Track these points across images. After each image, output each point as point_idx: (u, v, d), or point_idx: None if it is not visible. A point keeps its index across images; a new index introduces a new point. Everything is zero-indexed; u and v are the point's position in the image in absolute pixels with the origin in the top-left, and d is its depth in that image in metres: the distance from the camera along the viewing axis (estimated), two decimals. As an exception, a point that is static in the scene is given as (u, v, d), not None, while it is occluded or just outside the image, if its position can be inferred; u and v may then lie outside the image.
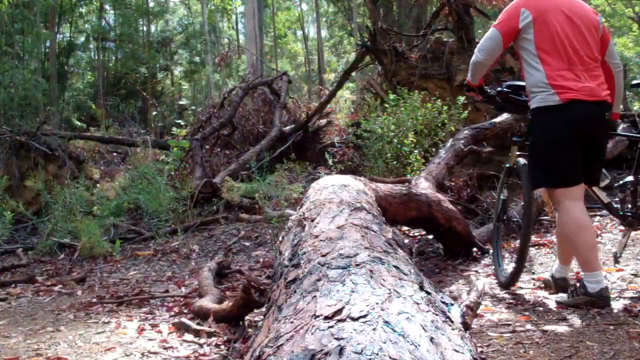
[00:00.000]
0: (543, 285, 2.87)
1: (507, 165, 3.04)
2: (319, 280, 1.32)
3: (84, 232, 5.06)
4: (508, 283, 2.89)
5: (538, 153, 2.61)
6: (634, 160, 2.71)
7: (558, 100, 2.46)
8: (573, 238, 2.51)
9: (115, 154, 10.27)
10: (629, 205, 2.74)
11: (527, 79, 2.60)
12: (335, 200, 2.30)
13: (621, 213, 2.75)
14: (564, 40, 2.50)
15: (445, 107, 5.86)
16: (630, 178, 2.73)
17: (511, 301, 2.68)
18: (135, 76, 19.39)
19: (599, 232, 3.81)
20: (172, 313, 3.01)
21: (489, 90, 2.90)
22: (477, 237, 3.72)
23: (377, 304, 1.08)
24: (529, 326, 2.26)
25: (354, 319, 1.01)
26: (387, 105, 6.19)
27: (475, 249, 3.66)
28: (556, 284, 2.75)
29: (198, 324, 2.64)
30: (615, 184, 2.81)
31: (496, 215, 3.18)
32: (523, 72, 2.64)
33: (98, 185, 7.49)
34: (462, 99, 5.92)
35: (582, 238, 2.48)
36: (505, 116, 4.96)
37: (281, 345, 1.01)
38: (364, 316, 1.02)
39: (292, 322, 1.10)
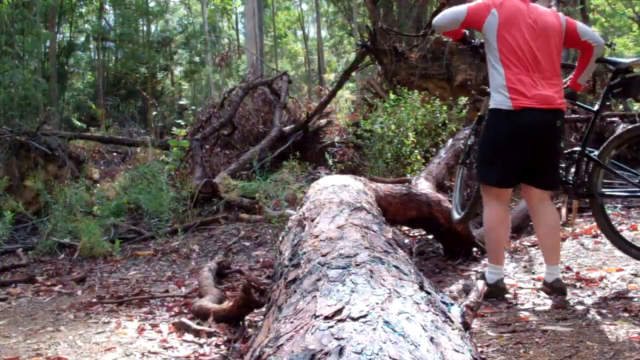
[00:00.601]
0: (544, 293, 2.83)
1: (480, 114, 3.15)
2: (319, 280, 1.32)
3: (84, 232, 5.06)
4: (459, 221, 3.24)
5: (483, 150, 2.78)
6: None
7: (511, 106, 2.57)
8: (490, 232, 2.75)
9: (115, 154, 10.27)
10: (572, 175, 2.86)
11: (490, 80, 2.71)
12: (335, 200, 2.30)
13: (563, 180, 2.85)
14: (525, 48, 2.60)
15: (445, 107, 5.86)
16: (578, 148, 2.84)
17: (511, 301, 2.68)
18: (135, 76, 19.38)
19: (598, 231, 3.80)
20: (172, 313, 3.01)
21: (473, 41, 2.98)
22: (477, 237, 3.71)
23: (377, 304, 1.08)
24: (529, 326, 2.26)
25: (354, 319, 1.01)
26: (387, 105, 6.20)
27: (475, 249, 3.66)
28: (552, 288, 2.70)
29: (198, 324, 2.64)
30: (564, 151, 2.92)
31: (462, 158, 3.40)
32: (488, 72, 2.74)
33: (98, 185, 7.49)
34: (463, 99, 5.92)
35: (498, 233, 2.73)
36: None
37: (281, 345, 1.01)
38: (364, 316, 1.02)
39: (292, 322, 1.10)
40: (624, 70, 2.71)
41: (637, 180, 2.76)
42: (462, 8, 2.70)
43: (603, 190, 2.82)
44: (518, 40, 2.60)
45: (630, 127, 2.89)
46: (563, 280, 2.76)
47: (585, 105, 3.01)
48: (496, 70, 2.64)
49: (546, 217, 2.75)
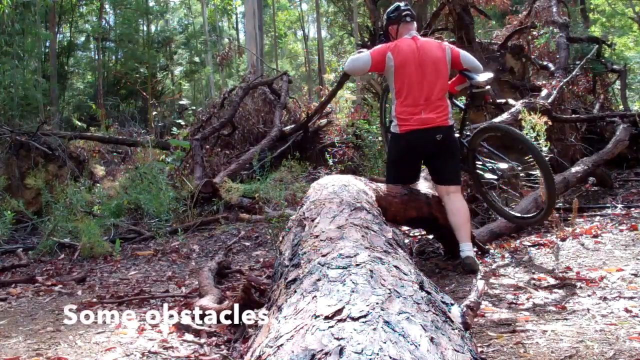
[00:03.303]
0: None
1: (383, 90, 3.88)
2: (319, 280, 1.32)
3: (84, 232, 5.06)
4: None
5: (388, 161, 3.61)
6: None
7: (398, 131, 3.31)
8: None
9: (115, 154, 10.28)
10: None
11: (390, 109, 3.37)
12: (335, 200, 2.30)
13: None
14: (414, 83, 3.25)
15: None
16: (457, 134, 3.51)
17: (511, 301, 2.68)
18: (135, 76, 19.39)
19: (598, 231, 3.81)
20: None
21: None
22: (477, 237, 3.72)
23: (377, 304, 1.08)
24: (529, 326, 2.26)
25: (354, 319, 1.01)
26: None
27: (475, 249, 3.65)
28: (464, 265, 3.24)
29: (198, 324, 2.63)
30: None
31: (383, 121, 4.39)
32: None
33: (99, 184, 7.49)
34: (462, 98, 5.91)
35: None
36: (505, 116, 4.96)
37: (281, 345, 1.01)
38: (364, 316, 1.02)
39: (292, 322, 1.10)
40: (474, 85, 3.34)
41: (490, 167, 3.47)
42: (367, 58, 3.35)
43: (476, 169, 3.57)
44: (409, 78, 3.25)
45: (484, 125, 3.59)
46: (476, 259, 3.25)
47: (457, 103, 3.58)
48: (393, 102, 3.32)
49: (453, 205, 3.34)
